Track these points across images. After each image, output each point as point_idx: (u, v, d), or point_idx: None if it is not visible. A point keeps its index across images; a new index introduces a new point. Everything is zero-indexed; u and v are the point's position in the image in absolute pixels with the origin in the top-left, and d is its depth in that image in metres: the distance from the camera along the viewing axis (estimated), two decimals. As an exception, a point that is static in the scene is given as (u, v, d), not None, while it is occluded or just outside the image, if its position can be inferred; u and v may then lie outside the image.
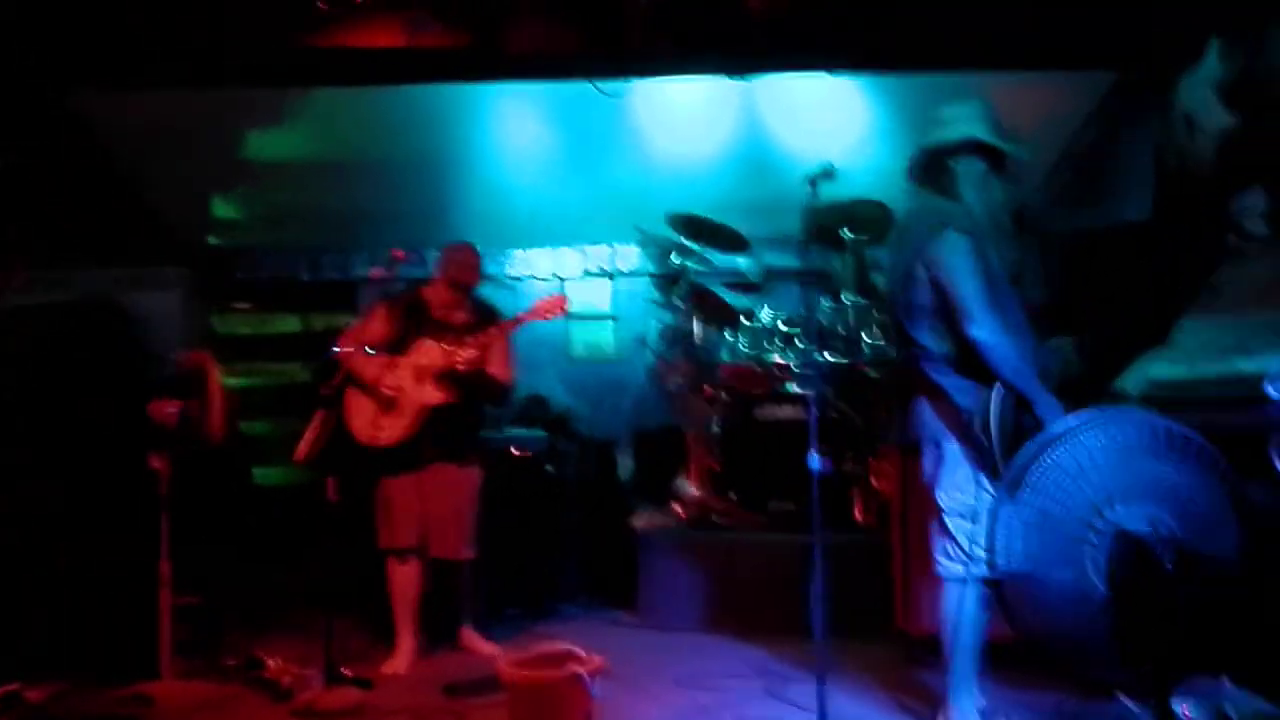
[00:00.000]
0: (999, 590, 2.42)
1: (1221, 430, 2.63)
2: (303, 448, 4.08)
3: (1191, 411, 2.91)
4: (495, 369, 4.49)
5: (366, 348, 4.41)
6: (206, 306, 7.00)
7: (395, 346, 4.43)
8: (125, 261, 5.32)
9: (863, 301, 5.58)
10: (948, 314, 3.30)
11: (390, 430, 4.37)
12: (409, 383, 4.38)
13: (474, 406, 4.57)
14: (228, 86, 5.44)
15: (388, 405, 4.36)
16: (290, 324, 7.18)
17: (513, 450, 5.61)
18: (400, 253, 4.38)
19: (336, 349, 4.42)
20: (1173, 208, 4.88)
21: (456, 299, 4.53)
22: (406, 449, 4.38)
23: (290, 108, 5.85)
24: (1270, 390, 2.83)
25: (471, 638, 4.71)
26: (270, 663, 4.26)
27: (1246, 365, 2.99)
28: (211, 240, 7.17)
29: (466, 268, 4.57)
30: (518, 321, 4.42)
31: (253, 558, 5.48)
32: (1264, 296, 3.17)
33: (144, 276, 5.16)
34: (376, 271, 4.49)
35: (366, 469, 4.43)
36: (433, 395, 4.39)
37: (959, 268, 3.28)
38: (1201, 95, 4.50)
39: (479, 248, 4.82)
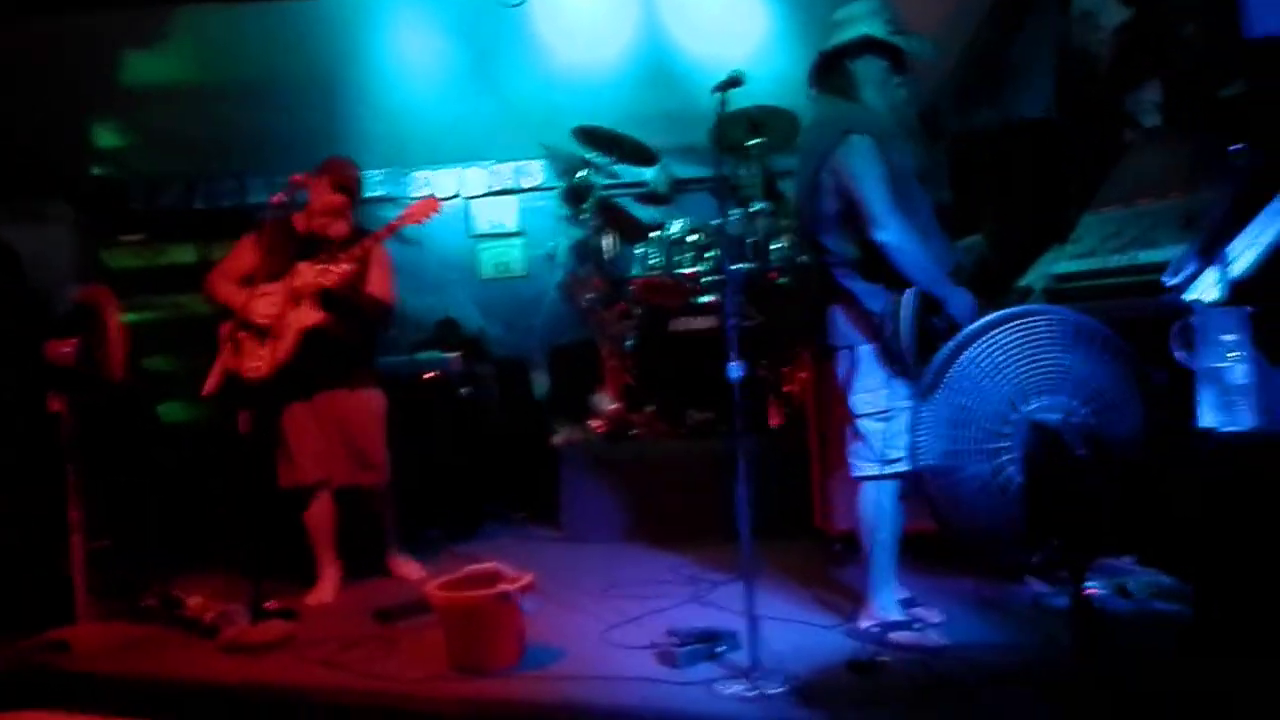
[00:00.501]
0: (922, 486, 2.44)
1: (1124, 318, 2.69)
2: (211, 381, 4.02)
3: (1095, 303, 3.00)
4: (374, 287, 4.35)
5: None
6: (94, 240, 6.81)
7: (269, 271, 4.29)
8: (2, 196, 5.14)
9: (770, 209, 5.59)
10: (854, 219, 3.30)
11: (268, 359, 4.22)
12: (284, 308, 4.22)
13: (358, 327, 4.42)
14: (97, 7, 5.25)
15: (264, 335, 4.21)
16: (186, 254, 6.97)
17: (425, 375, 5.58)
18: (300, 177, 4.22)
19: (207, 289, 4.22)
20: (1074, 104, 4.95)
21: (337, 208, 4.37)
22: (290, 376, 4.24)
23: (169, 27, 5.65)
24: (1169, 280, 2.89)
25: (398, 562, 4.69)
26: (190, 601, 4.18)
27: (1148, 256, 3.06)
28: (96, 171, 6.94)
29: (346, 171, 4.44)
30: (390, 229, 4.25)
31: (164, 496, 5.40)
32: (1160, 187, 3.23)
33: (23, 210, 5.05)
34: (277, 198, 4.21)
35: (256, 404, 4.28)
36: (309, 316, 4.23)
37: (862, 172, 3.26)
38: (1098, -9, 4.30)
39: (380, 169, 4.71)
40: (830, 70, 3.50)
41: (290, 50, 5.83)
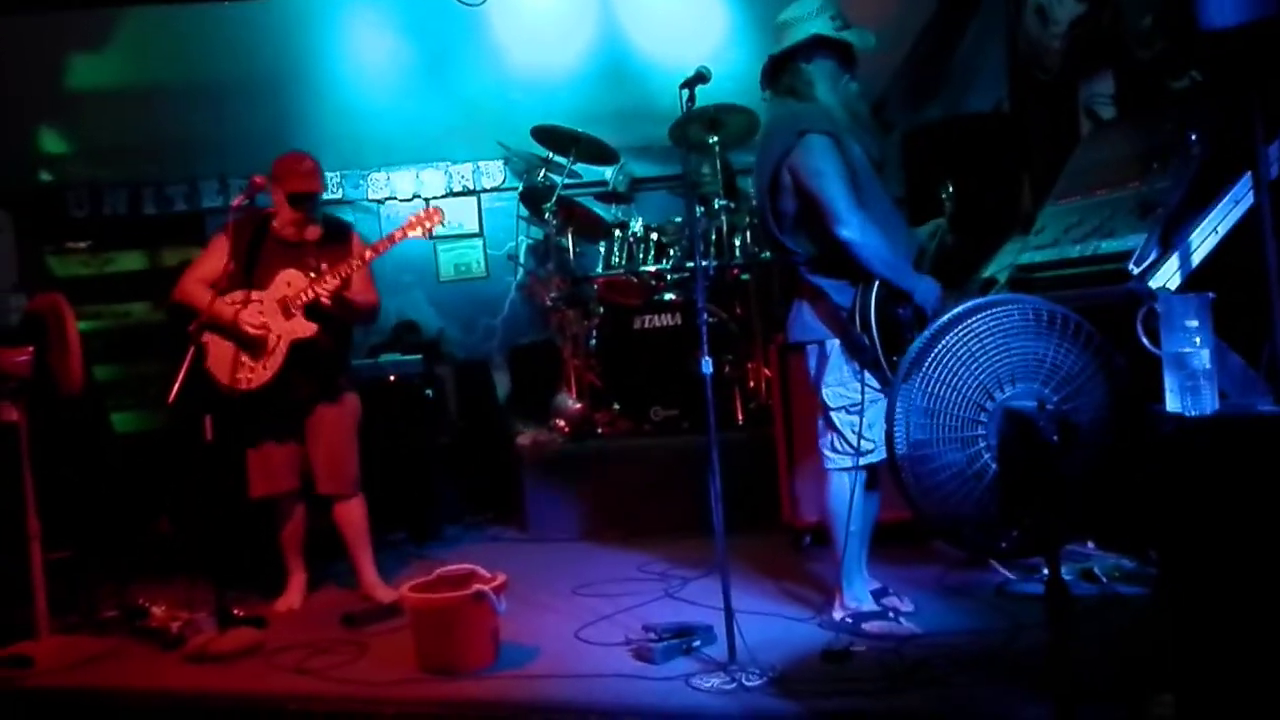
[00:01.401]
0: (896, 475, 2.54)
1: (1088, 306, 2.73)
2: (176, 388, 3.85)
3: (1059, 292, 3.06)
4: (359, 293, 4.26)
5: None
6: (40, 247, 6.72)
7: (246, 278, 4.16)
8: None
9: (731, 206, 5.64)
10: (816, 217, 3.32)
11: (260, 372, 4.14)
12: (275, 318, 4.13)
13: (344, 335, 4.37)
14: (38, 7, 5.16)
15: (253, 345, 4.12)
16: (135, 261, 6.92)
17: (390, 378, 5.55)
18: (261, 179, 4.07)
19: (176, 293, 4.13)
20: (1027, 97, 5.03)
21: (302, 214, 4.21)
22: (279, 390, 4.16)
23: (116, 27, 5.57)
24: (1132, 267, 2.98)
25: (372, 584, 4.51)
26: (155, 610, 4.11)
27: (1109, 245, 3.12)
28: (43, 177, 6.79)
29: (303, 175, 4.17)
30: (392, 241, 4.18)
31: (124, 506, 5.33)
32: (1116, 177, 3.31)
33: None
34: (237, 200, 4.11)
35: (236, 416, 4.24)
36: (304, 328, 4.14)
37: (821, 170, 3.29)
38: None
39: (336, 170, 4.69)
40: (781, 72, 3.53)
41: (242, 50, 5.78)
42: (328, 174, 4.58)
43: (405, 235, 4.16)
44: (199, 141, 6.41)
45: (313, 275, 4.08)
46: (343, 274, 4.07)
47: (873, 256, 3.26)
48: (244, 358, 4.11)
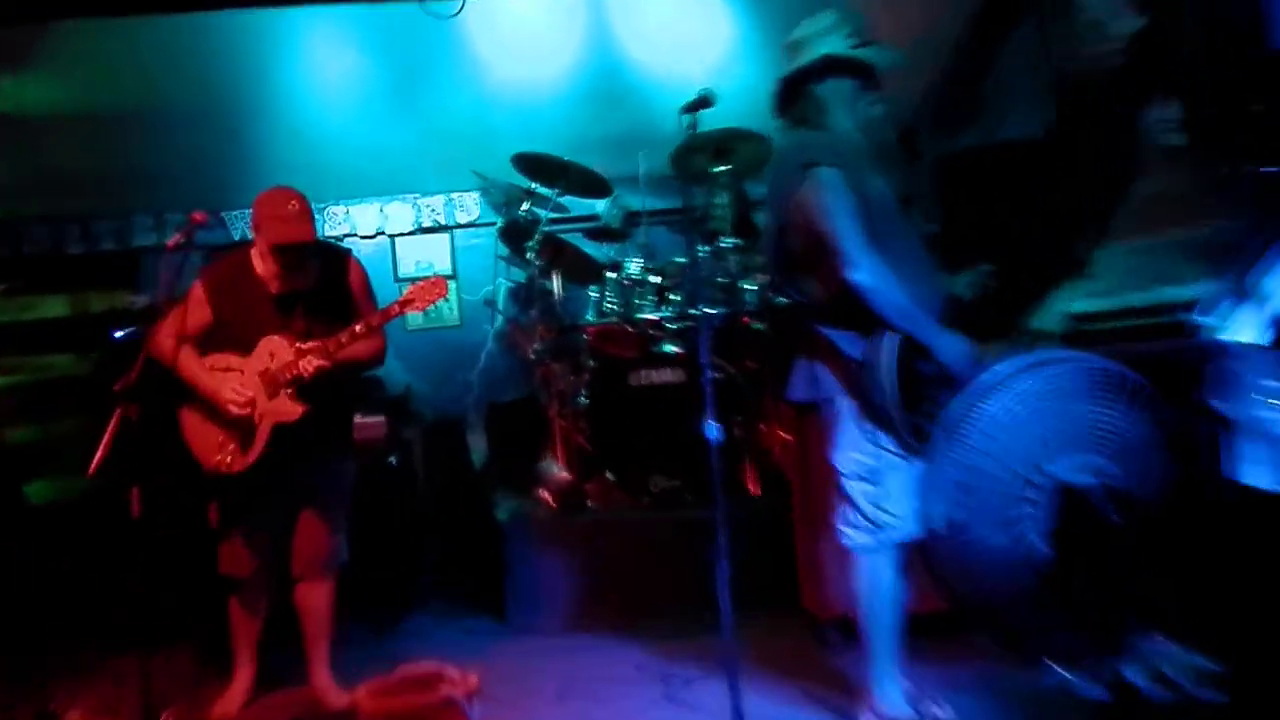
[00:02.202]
0: (927, 557, 2.53)
1: (1149, 361, 2.75)
2: (99, 456, 3.73)
3: (1118, 345, 3.08)
4: (359, 348, 4.17)
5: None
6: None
7: (230, 332, 4.13)
8: None
9: (742, 244, 5.58)
10: (826, 259, 3.31)
11: (239, 457, 4.12)
12: (259, 395, 4.08)
13: (343, 399, 4.34)
14: None
15: (234, 424, 4.10)
16: (57, 307, 6.85)
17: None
18: (201, 215, 3.95)
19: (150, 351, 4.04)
20: (1077, 122, 5.04)
21: (290, 263, 4.09)
22: (261, 473, 4.13)
23: (38, 47, 5.57)
24: (1200, 319, 2.96)
25: (324, 684, 4.46)
26: (69, 716, 4.11)
27: (1174, 293, 3.11)
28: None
29: (288, 221, 4.00)
30: (388, 316, 4.06)
31: (38, 590, 5.26)
32: (1184, 214, 3.32)
33: None
34: (173, 240, 3.96)
35: (214, 496, 4.27)
36: (288, 410, 4.07)
37: (830, 207, 3.29)
38: (1107, -3, 4.37)
39: None
40: (794, 97, 3.56)
41: (181, 71, 5.77)
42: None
43: (404, 310, 4.07)
44: (132, 172, 6.40)
45: (299, 347, 4.00)
46: (330, 350, 3.99)
47: (887, 304, 3.25)
48: (223, 436, 4.10)
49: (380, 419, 5.71)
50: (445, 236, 7.22)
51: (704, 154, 5.43)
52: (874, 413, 3.30)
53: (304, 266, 4.09)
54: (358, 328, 3.99)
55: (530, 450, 5.91)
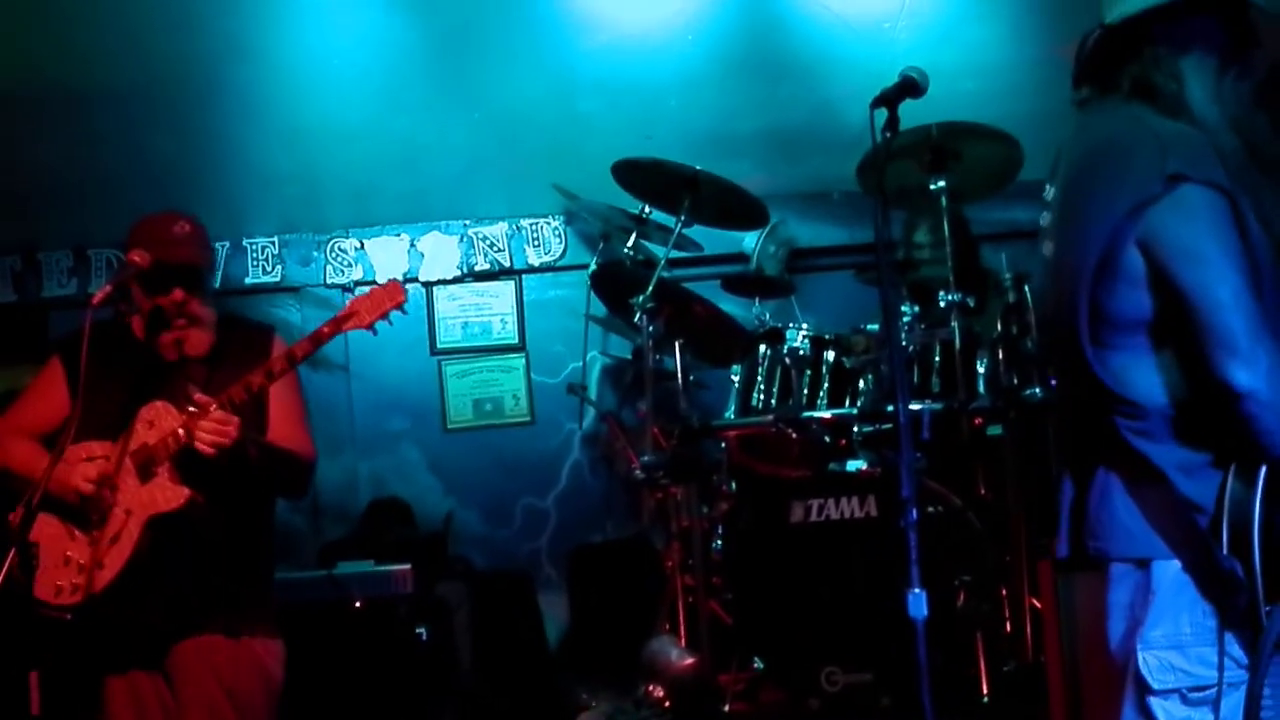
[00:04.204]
0: None
1: None
2: None
3: None
4: (278, 430, 3.83)
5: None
6: None
7: (95, 421, 3.72)
8: None
9: (971, 301, 4.78)
10: (1176, 334, 2.67)
11: (91, 573, 3.60)
12: (127, 481, 3.66)
13: (252, 516, 3.86)
14: None
15: (85, 522, 3.62)
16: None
17: (354, 603, 4.82)
18: (140, 256, 3.57)
19: None
20: None
21: (176, 305, 3.73)
22: (121, 611, 3.61)
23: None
24: None
25: None
26: None
27: None
28: None
29: (175, 244, 3.68)
30: (318, 339, 3.65)
31: None
32: None
33: None
34: (100, 293, 3.50)
35: (54, 653, 3.88)
36: (168, 496, 3.62)
37: (1204, 255, 2.60)
38: None
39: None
40: (1120, 58, 2.86)
41: (122, 42, 5.09)
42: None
43: (339, 329, 3.68)
44: (41, 187, 5.73)
45: (191, 410, 3.65)
46: (237, 398, 3.65)
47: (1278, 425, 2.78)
48: (71, 551, 3.67)
49: (404, 568, 4.96)
50: (509, 285, 6.32)
51: (911, 161, 4.71)
52: (1223, 592, 2.61)
53: (195, 317, 3.76)
54: (277, 363, 3.68)
55: (635, 620, 5.26)
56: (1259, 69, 2.93)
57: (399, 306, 3.81)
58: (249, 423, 3.83)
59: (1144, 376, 2.74)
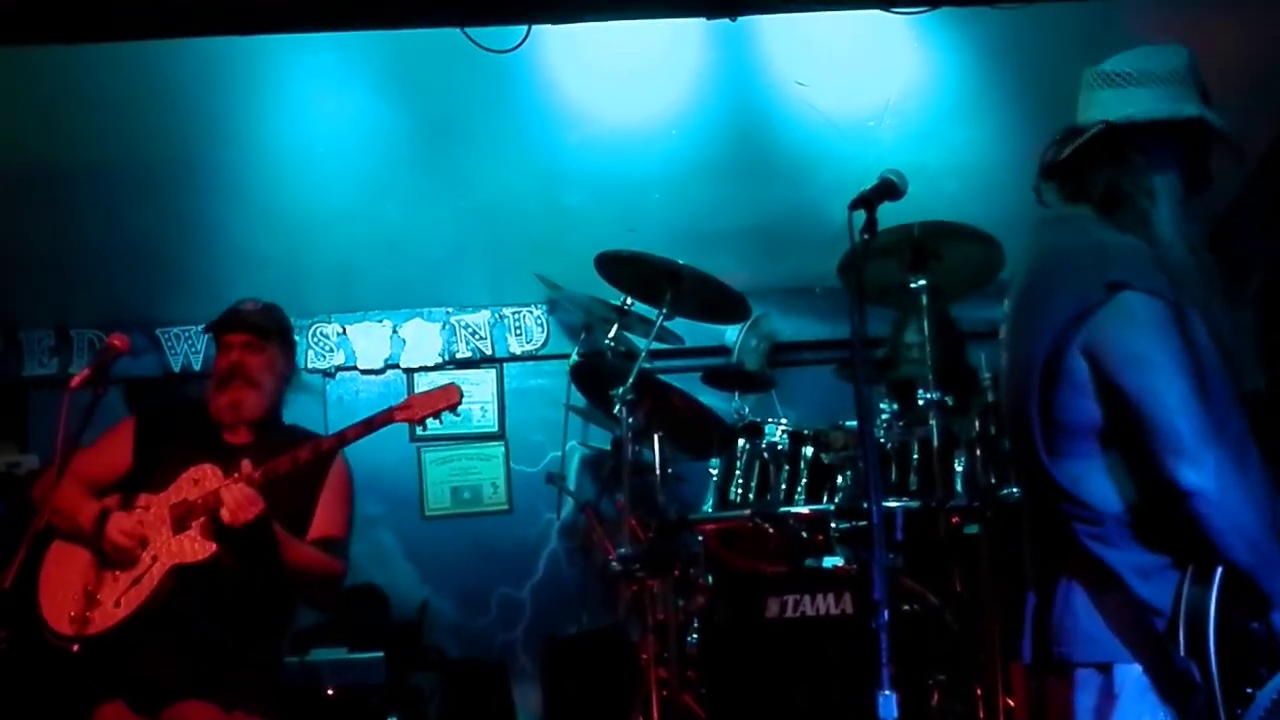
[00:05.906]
0: None
1: None
2: None
3: None
4: (320, 532, 3.87)
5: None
6: None
7: (149, 480, 3.84)
8: None
9: (950, 400, 4.84)
10: (1125, 439, 2.80)
11: (108, 610, 3.64)
12: (159, 531, 3.76)
13: (273, 590, 3.91)
14: None
15: (114, 564, 3.75)
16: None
17: (328, 690, 4.87)
18: (121, 339, 3.73)
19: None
20: None
21: (238, 365, 3.91)
22: (127, 654, 3.67)
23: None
24: None
25: None
26: None
27: None
28: None
29: (237, 313, 3.92)
30: (372, 424, 3.77)
31: None
32: None
33: None
34: (79, 376, 3.57)
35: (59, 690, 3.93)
36: (195, 549, 3.74)
37: (1148, 359, 2.73)
38: None
39: None
40: (1097, 157, 2.94)
41: (106, 121, 5.13)
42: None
43: (392, 419, 3.80)
44: (22, 266, 5.74)
45: (235, 476, 3.78)
46: (281, 468, 3.73)
47: (1229, 527, 2.69)
48: (92, 585, 3.78)
49: (377, 656, 5.02)
50: (490, 373, 6.43)
51: (893, 260, 4.78)
52: (1179, 695, 2.72)
53: (257, 381, 3.92)
54: (325, 441, 3.82)
55: (608, 713, 5.34)
56: (1201, 215, 3.07)
57: (452, 408, 3.86)
58: (292, 505, 3.82)
59: (1098, 482, 2.82)
